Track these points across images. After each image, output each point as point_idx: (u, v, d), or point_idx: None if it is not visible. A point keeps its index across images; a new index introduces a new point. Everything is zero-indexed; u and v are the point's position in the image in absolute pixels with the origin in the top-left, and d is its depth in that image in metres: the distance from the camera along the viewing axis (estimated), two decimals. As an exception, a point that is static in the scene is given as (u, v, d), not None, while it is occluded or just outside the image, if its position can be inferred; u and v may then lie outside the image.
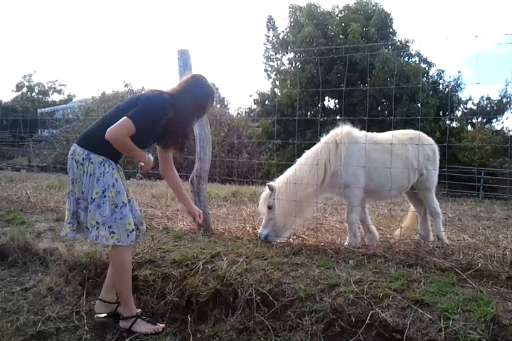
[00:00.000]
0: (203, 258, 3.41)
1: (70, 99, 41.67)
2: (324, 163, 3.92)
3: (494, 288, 2.77)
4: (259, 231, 4.05)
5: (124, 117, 2.73)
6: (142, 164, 2.95)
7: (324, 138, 4.08)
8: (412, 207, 4.57)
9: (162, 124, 2.93)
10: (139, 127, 2.75)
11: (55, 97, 44.06)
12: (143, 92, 3.06)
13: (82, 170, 2.80)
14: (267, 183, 4.09)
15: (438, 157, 4.35)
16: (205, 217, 4.36)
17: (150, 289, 3.29)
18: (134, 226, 2.86)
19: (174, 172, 3.30)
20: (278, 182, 4.06)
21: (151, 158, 3.04)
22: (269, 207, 4.00)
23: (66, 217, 2.94)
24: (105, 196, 2.77)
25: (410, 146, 4.08)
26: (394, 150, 3.86)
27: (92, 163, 2.79)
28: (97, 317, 3.13)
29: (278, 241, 3.93)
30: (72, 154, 2.88)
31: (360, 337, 2.49)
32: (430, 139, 4.38)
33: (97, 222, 2.77)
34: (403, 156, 4.05)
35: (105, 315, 3.12)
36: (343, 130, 4.02)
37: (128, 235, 2.81)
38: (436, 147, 4.35)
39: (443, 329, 2.31)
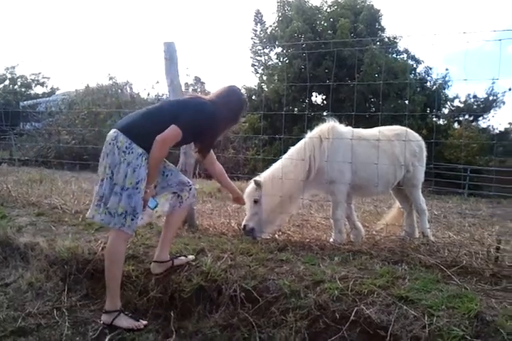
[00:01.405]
0: (187, 253, 3.39)
1: (53, 92, 41.04)
2: (309, 158, 3.90)
3: (478, 284, 2.77)
4: (243, 223, 4.01)
5: (174, 126, 2.89)
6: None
7: (309, 134, 4.05)
8: (397, 204, 4.57)
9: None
10: (184, 134, 2.93)
11: (38, 90, 43.36)
12: (188, 96, 3.29)
13: (123, 157, 2.84)
14: (254, 179, 4.06)
15: (425, 153, 4.34)
16: (190, 213, 4.32)
17: (133, 285, 3.25)
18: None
19: (217, 164, 3.50)
20: (264, 177, 4.03)
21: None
22: (255, 202, 3.98)
23: (93, 200, 2.99)
24: (137, 188, 2.85)
25: (397, 142, 4.06)
26: (380, 146, 3.85)
27: (132, 152, 2.85)
28: (155, 274, 3.26)
29: (261, 236, 3.91)
30: (113, 140, 2.90)
31: (344, 333, 2.48)
32: (417, 135, 4.37)
33: (125, 211, 2.84)
34: (389, 152, 4.04)
35: (161, 271, 3.25)
36: (328, 125, 4.01)
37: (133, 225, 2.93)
38: (423, 143, 4.34)
39: (427, 325, 2.30)
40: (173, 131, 2.89)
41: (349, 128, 4.09)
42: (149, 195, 2.98)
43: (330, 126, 4.01)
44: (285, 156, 4.05)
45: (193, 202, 3.38)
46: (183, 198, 3.23)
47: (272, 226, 4.05)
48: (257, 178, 4.03)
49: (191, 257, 3.33)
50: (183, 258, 3.31)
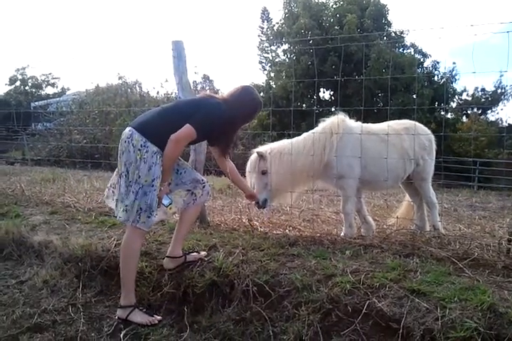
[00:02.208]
0: (200, 249, 3.43)
1: (63, 92, 41.43)
2: (320, 153, 3.89)
3: (490, 277, 2.77)
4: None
5: (189, 125, 2.93)
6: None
7: (320, 127, 4.04)
8: (407, 197, 4.56)
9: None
10: (198, 134, 2.98)
11: (49, 90, 43.75)
12: (202, 96, 3.34)
13: (139, 155, 2.89)
14: (256, 150, 4.03)
15: (434, 147, 4.32)
16: (201, 209, 4.35)
17: (146, 281, 3.28)
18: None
19: (229, 162, 3.52)
20: (272, 148, 4.02)
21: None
22: (264, 173, 3.96)
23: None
24: (153, 185, 2.90)
25: (406, 136, 4.04)
26: (389, 140, 3.85)
27: (147, 151, 2.89)
28: (168, 269, 3.30)
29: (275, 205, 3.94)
30: (128, 138, 2.95)
31: (356, 326, 2.49)
32: (426, 129, 4.35)
33: (141, 208, 2.89)
34: (398, 146, 4.02)
35: (174, 267, 3.29)
36: (338, 119, 3.99)
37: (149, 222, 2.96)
38: (432, 137, 4.31)
39: (440, 318, 2.31)
40: (187, 131, 2.93)
41: (359, 123, 4.07)
42: (163, 192, 3.02)
43: (340, 119, 3.99)
44: (298, 146, 3.98)
45: (207, 199, 3.41)
46: (197, 195, 3.27)
47: (283, 195, 4.09)
48: (259, 150, 4.03)
49: (203, 253, 3.36)
50: (195, 254, 3.34)
